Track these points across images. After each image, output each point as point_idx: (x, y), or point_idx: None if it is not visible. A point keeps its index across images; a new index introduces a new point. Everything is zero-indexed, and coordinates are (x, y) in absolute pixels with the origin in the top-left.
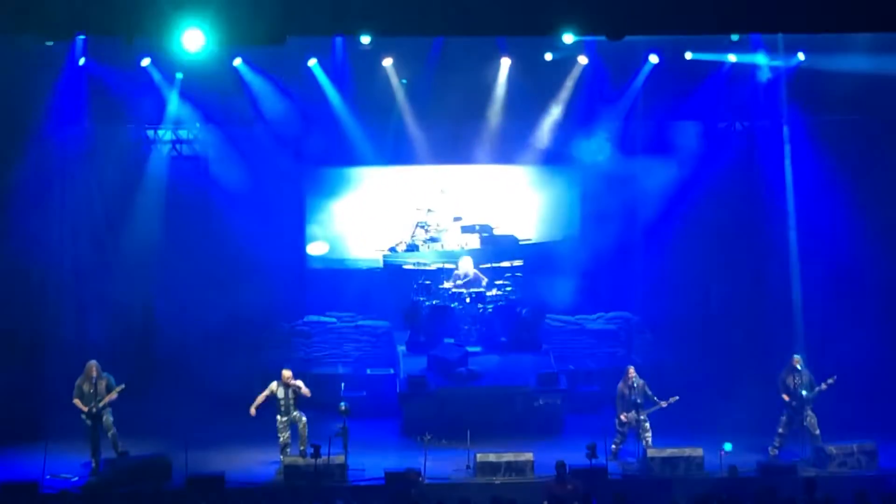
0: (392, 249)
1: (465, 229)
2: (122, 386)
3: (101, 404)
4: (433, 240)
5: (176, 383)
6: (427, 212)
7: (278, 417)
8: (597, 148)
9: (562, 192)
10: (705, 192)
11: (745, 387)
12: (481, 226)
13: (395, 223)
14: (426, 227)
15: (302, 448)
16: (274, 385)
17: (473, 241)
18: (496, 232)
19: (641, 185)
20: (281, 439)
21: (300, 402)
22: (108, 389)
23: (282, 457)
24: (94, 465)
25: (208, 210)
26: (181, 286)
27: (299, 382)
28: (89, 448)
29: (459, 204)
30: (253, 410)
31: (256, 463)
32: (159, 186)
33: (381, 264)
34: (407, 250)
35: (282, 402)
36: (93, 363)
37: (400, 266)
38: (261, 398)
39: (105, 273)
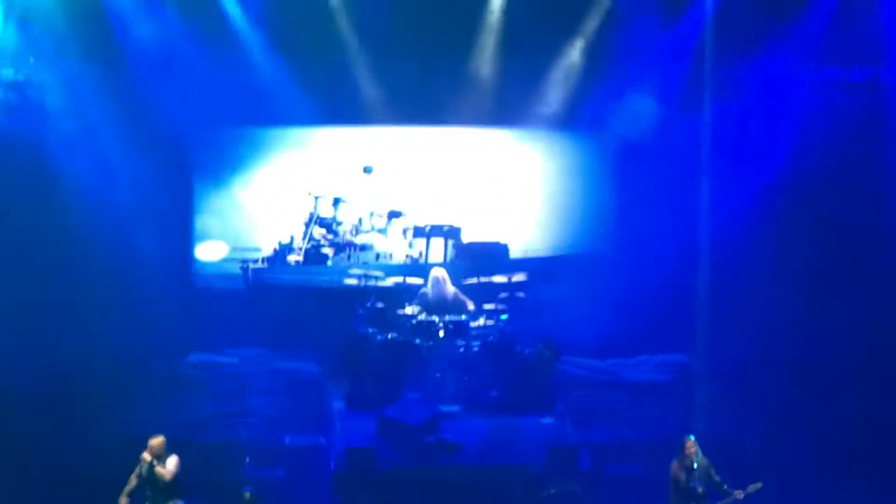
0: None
1: (420, 233)
2: None
3: None
4: (349, 247)
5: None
6: (335, 203)
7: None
8: (638, 110)
9: (584, 172)
10: (805, 175)
11: (866, 469)
12: (448, 228)
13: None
14: (332, 226)
15: None
16: (144, 458)
17: (436, 251)
18: (472, 237)
19: (706, 165)
20: None
21: (169, 488)
22: None
23: None
24: None
25: (45, 191)
26: (6, 304)
27: (170, 460)
28: None
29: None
30: (123, 502)
31: None
32: None
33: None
34: (307, 261)
35: (148, 494)
36: None
37: (333, 281)
38: (132, 483)
39: None
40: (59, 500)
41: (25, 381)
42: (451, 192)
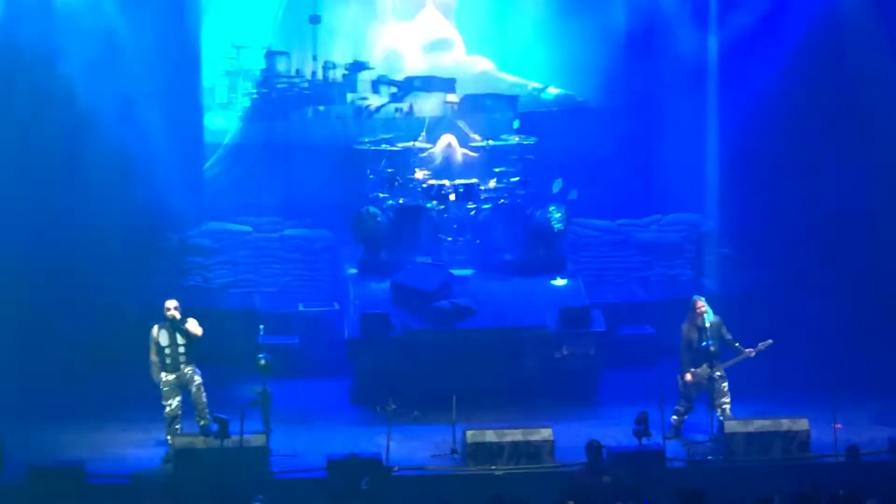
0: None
1: (409, 85)
2: None
3: None
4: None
5: (10, 330)
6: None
7: (162, 376)
8: None
9: (595, 24)
10: (817, 38)
11: (868, 328)
12: (440, 80)
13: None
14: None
15: (201, 423)
16: (154, 329)
17: (431, 104)
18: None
19: (720, 20)
20: (167, 409)
21: (192, 350)
22: None
23: (169, 436)
24: None
25: (51, 65)
26: (13, 183)
27: (191, 321)
28: None
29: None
30: (161, 375)
31: (132, 445)
32: None
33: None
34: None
35: (167, 352)
36: None
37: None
38: (154, 358)
39: None
40: (75, 368)
41: (38, 256)
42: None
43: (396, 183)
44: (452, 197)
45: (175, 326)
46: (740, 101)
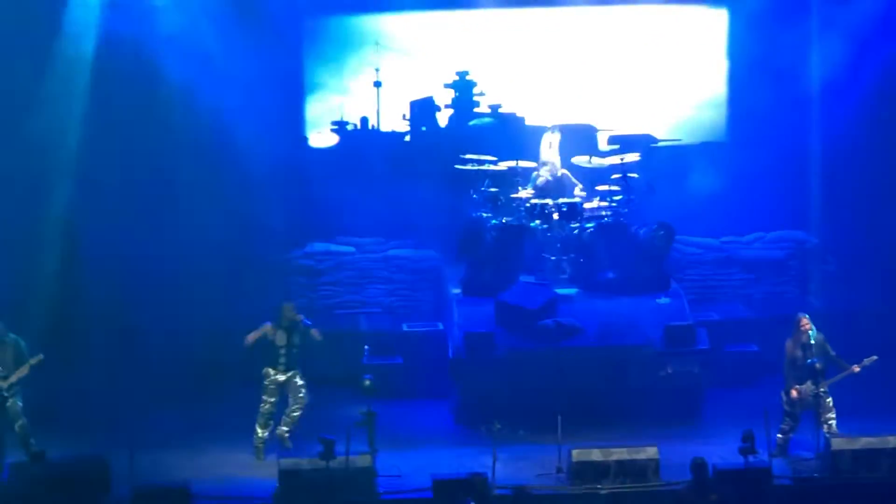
0: None
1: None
2: (40, 357)
3: (6, 383)
4: None
5: (114, 350)
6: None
7: (269, 371)
8: None
9: (696, 51)
10: None
11: None
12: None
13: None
14: None
15: (284, 431)
16: (269, 328)
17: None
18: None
19: (822, 35)
20: (264, 406)
21: (305, 355)
22: (18, 361)
23: (259, 428)
24: None
25: (154, 81)
26: (116, 200)
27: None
28: None
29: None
30: (252, 337)
31: (237, 466)
32: (78, 44)
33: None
34: None
35: (283, 352)
36: None
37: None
38: (255, 334)
39: (3, 186)
40: (179, 389)
41: (144, 275)
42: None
43: (500, 202)
44: (556, 216)
45: (296, 329)
46: (843, 116)
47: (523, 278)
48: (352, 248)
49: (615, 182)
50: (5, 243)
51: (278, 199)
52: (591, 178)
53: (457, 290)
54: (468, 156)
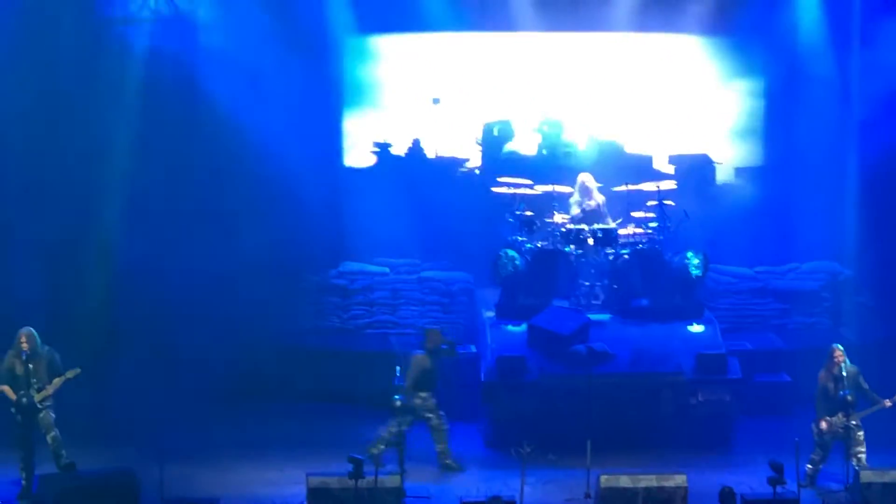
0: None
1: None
2: (77, 370)
3: (40, 395)
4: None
5: (148, 364)
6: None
7: (423, 395)
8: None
9: (735, 81)
10: None
11: None
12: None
13: (477, 118)
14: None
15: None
16: (421, 357)
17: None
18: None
19: (867, 53)
20: (391, 429)
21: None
22: (53, 373)
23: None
24: (24, 483)
25: (194, 103)
26: (154, 216)
27: None
28: (17, 457)
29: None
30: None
31: (268, 484)
32: (124, 65)
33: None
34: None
35: (431, 377)
36: (27, 332)
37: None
38: (415, 367)
39: (39, 195)
40: (211, 406)
41: (179, 290)
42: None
43: (535, 227)
44: (591, 241)
45: (439, 353)
46: (879, 148)
47: (557, 303)
48: (386, 269)
49: (651, 209)
50: (47, 255)
51: (315, 218)
52: (626, 203)
53: (490, 313)
54: (503, 179)
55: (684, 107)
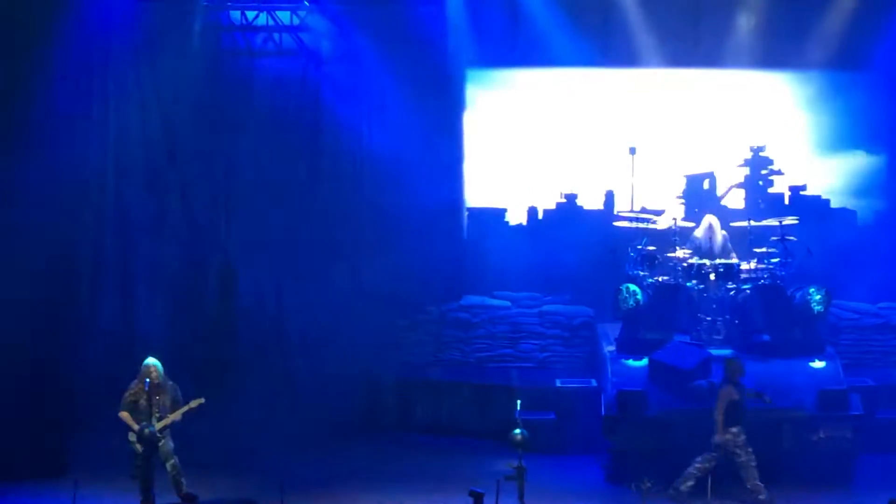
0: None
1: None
2: (201, 400)
3: (161, 424)
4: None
5: (268, 395)
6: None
7: (735, 430)
8: None
9: (855, 115)
10: None
11: None
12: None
13: (598, 156)
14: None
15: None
16: (730, 389)
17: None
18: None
19: None
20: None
21: None
22: (175, 404)
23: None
24: None
25: (317, 134)
26: (275, 246)
27: None
28: (138, 487)
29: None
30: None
31: None
32: (247, 99)
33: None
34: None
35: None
36: (152, 364)
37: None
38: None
39: (164, 229)
40: (329, 436)
41: (301, 322)
42: (720, 136)
43: (657, 261)
44: (712, 276)
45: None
46: None
47: (678, 338)
48: (507, 303)
49: (773, 244)
50: (170, 286)
51: (437, 251)
52: (750, 240)
53: (611, 348)
54: (624, 212)
55: (806, 141)
